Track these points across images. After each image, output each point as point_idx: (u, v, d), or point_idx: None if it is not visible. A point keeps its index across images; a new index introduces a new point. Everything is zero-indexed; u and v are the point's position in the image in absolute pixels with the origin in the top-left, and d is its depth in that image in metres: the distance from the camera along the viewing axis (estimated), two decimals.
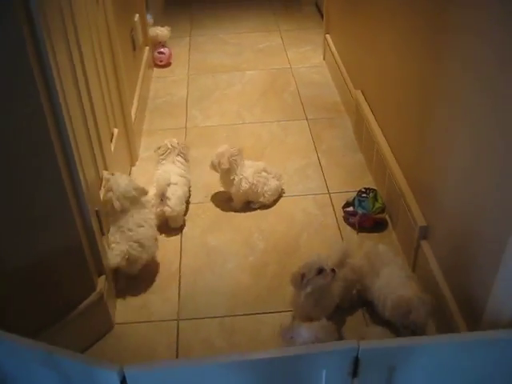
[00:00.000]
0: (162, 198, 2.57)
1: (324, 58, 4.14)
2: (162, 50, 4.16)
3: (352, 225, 2.59)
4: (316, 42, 4.40)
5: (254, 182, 2.68)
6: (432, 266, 2.13)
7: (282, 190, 2.82)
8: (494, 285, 1.69)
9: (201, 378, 1.40)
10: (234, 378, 1.42)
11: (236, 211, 2.74)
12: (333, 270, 2.01)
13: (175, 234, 2.59)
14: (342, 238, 2.54)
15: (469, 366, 1.44)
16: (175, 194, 2.59)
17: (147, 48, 3.88)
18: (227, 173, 2.67)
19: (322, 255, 2.07)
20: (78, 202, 1.88)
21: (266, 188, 2.71)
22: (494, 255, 1.68)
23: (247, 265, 2.42)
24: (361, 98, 3.08)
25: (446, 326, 2.02)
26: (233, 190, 2.70)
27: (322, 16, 4.80)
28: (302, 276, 2.01)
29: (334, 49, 3.81)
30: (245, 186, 2.67)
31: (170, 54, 4.21)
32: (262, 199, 2.73)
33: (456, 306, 1.97)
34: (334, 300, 2.11)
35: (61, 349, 1.44)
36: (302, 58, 4.22)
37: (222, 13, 5.00)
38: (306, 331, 1.83)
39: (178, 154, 2.76)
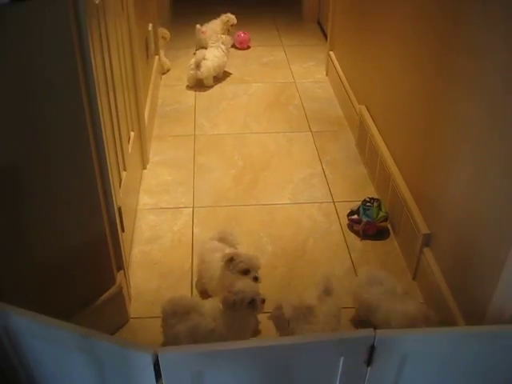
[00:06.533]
0: (198, 66, 3.99)
1: (327, 74, 4.28)
2: (241, 33, 4.73)
3: (356, 232, 2.71)
4: (318, 58, 4.55)
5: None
6: (434, 272, 2.24)
7: None
8: (495, 289, 1.80)
9: (228, 361, 1.50)
10: (257, 362, 1.52)
11: None
12: (263, 301, 2.04)
13: (186, 236, 2.69)
14: (347, 244, 2.66)
15: (475, 357, 1.55)
16: (206, 65, 4.00)
17: (157, 57, 4.00)
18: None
19: (254, 286, 2.09)
20: (105, 197, 1.99)
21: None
22: (496, 262, 1.79)
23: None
24: (365, 113, 3.21)
25: None
26: None
27: (323, 33, 4.97)
28: (234, 303, 2.01)
29: (337, 65, 3.95)
30: None
31: (249, 37, 4.78)
32: None
33: (458, 311, 2.07)
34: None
35: (95, 331, 1.53)
36: (306, 73, 4.36)
37: None
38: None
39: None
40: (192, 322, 2.03)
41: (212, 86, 4.13)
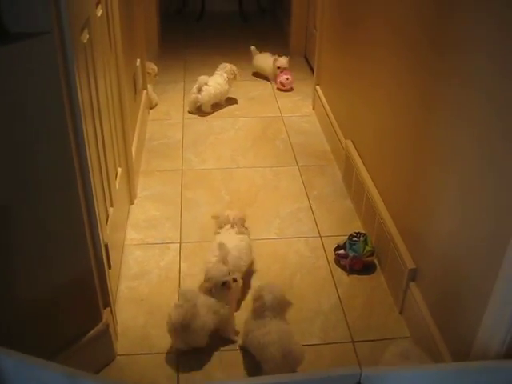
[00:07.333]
0: (199, 90, 4.17)
1: (314, 108, 4.33)
2: (288, 76, 4.70)
3: (343, 267, 2.72)
4: (305, 92, 4.60)
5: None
6: (420, 307, 2.26)
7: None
8: (480, 325, 1.81)
9: None
10: None
11: None
12: (234, 280, 2.30)
13: (173, 272, 2.69)
14: (334, 279, 2.66)
15: None
16: (207, 90, 4.18)
17: (145, 92, 4.03)
18: None
19: (223, 269, 2.31)
20: (92, 235, 1.99)
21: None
22: (481, 297, 1.79)
23: (244, 303, 2.52)
24: (351, 148, 3.24)
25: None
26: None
27: (310, 67, 5.03)
28: (210, 289, 2.28)
29: (324, 100, 4.00)
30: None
31: (293, 79, 4.74)
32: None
33: (444, 346, 2.08)
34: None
35: (81, 372, 1.53)
36: (293, 107, 4.41)
37: (215, 60, 5.12)
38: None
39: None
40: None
41: (211, 113, 4.29)
